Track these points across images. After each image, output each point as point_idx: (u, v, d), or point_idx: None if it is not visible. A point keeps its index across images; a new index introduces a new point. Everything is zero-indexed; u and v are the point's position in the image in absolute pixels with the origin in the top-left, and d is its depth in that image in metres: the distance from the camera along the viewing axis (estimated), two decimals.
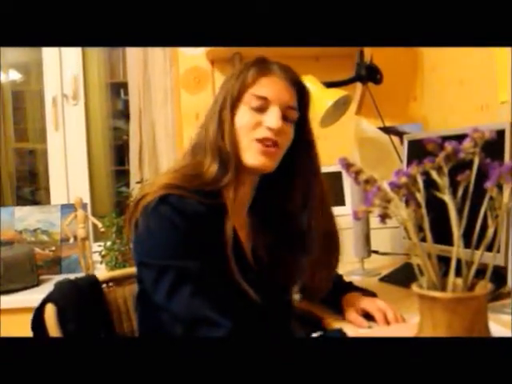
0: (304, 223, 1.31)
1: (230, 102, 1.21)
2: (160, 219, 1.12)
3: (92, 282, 1.41)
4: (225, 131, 1.20)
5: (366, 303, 1.33)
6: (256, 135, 1.20)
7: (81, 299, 1.33)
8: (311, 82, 1.99)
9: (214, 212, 1.16)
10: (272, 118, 1.20)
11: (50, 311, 1.23)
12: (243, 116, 1.21)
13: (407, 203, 0.71)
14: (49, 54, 2.58)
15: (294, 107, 1.24)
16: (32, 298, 1.89)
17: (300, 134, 1.27)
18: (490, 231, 0.70)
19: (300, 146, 1.27)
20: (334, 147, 2.02)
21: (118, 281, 1.47)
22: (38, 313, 1.24)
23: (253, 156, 1.20)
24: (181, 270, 1.10)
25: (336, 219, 1.35)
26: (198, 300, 1.08)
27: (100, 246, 2.32)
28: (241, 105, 1.21)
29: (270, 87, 1.21)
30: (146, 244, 1.15)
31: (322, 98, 2.00)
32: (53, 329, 1.21)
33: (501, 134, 1.36)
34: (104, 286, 1.44)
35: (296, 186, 1.29)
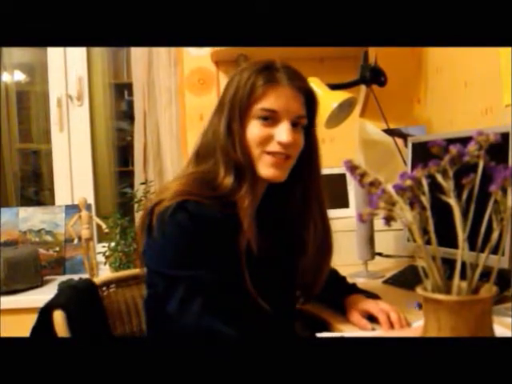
0: (304, 225, 1.31)
1: (238, 114, 1.19)
2: (177, 227, 1.11)
3: (90, 287, 1.40)
4: (235, 142, 1.19)
5: (370, 305, 1.33)
6: (267, 148, 1.20)
7: (82, 304, 1.32)
8: (316, 85, 1.99)
9: (230, 221, 1.16)
10: (282, 133, 1.19)
11: (59, 317, 1.22)
12: (253, 129, 1.20)
13: (412, 206, 0.71)
14: (54, 54, 2.59)
15: (303, 115, 1.23)
16: (36, 298, 1.90)
17: (306, 139, 1.27)
18: (495, 234, 0.70)
19: (305, 151, 1.27)
20: (338, 149, 2.03)
21: (115, 284, 1.46)
22: (42, 317, 1.24)
23: (264, 168, 1.20)
24: (193, 280, 1.09)
25: (329, 222, 1.34)
26: (210, 313, 1.08)
27: (104, 246, 2.33)
28: (250, 117, 1.20)
29: (279, 100, 1.19)
30: (161, 251, 1.14)
31: (326, 101, 1.99)
32: (63, 335, 1.21)
33: (505, 137, 1.35)
34: (104, 288, 1.44)
35: (298, 189, 1.30)
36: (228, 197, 1.17)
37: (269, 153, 1.20)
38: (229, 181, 1.17)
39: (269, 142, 1.20)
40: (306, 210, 1.30)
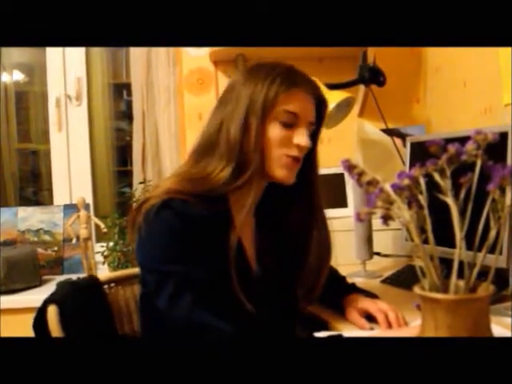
0: (309, 227, 1.32)
1: (261, 112, 1.19)
2: (162, 224, 1.12)
3: (93, 283, 1.41)
4: (251, 139, 1.18)
5: (368, 304, 1.33)
6: (288, 152, 1.21)
7: (82, 300, 1.32)
8: None
9: (219, 218, 1.16)
10: (302, 137, 1.21)
11: (52, 312, 1.23)
12: (274, 130, 1.20)
13: (410, 205, 0.71)
14: (52, 54, 2.58)
15: (314, 122, 1.26)
16: (34, 298, 1.89)
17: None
18: (493, 233, 0.70)
19: (311, 155, 1.29)
20: (336, 149, 2.03)
21: (120, 281, 1.47)
22: (40, 314, 1.24)
23: (279, 169, 1.22)
24: (183, 275, 1.10)
25: (328, 225, 1.35)
26: (200, 307, 1.08)
27: (102, 246, 2.33)
28: (271, 118, 1.20)
29: (300, 103, 1.22)
30: (148, 248, 1.15)
31: None
32: (55, 330, 1.21)
33: (504, 136, 1.35)
34: (105, 286, 1.44)
35: (305, 193, 1.31)
36: (220, 189, 1.17)
37: (287, 156, 1.21)
38: (226, 172, 1.17)
39: (288, 145, 1.21)
40: (312, 213, 1.32)
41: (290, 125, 1.21)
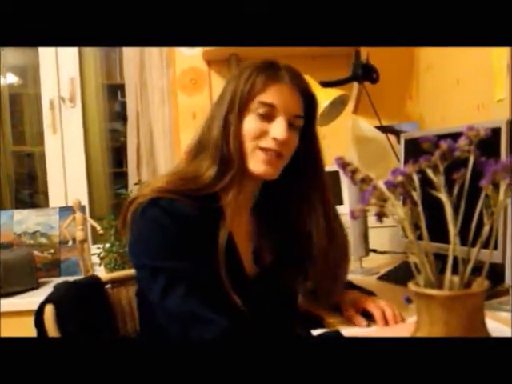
0: (305, 228, 1.31)
1: (237, 107, 1.19)
2: (149, 222, 1.13)
3: (93, 283, 1.41)
4: (230, 135, 1.18)
5: (365, 301, 1.33)
6: (261, 144, 1.19)
7: (80, 300, 1.33)
8: None
9: (209, 216, 1.16)
10: (278, 130, 1.18)
11: (49, 312, 1.23)
12: (249, 123, 1.19)
13: (404, 202, 0.72)
14: (46, 56, 2.58)
15: (300, 115, 1.23)
16: (31, 300, 1.89)
17: (305, 141, 1.26)
18: (486, 229, 0.70)
19: (305, 153, 1.27)
20: (331, 146, 2.03)
21: (122, 281, 1.47)
22: (39, 314, 1.25)
23: (256, 164, 1.20)
24: (173, 270, 1.10)
25: (345, 230, 1.34)
26: (192, 299, 1.08)
27: (99, 248, 2.32)
28: (248, 111, 1.19)
29: (279, 95, 1.19)
30: (138, 246, 1.16)
31: (318, 98, 1.99)
32: (51, 329, 1.22)
33: (497, 131, 1.36)
34: (108, 286, 1.44)
35: (297, 191, 1.30)
36: (208, 189, 1.17)
37: (262, 149, 1.19)
38: (211, 172, 1.17)
39: (263, 137, 1.19)
40: (309, 210, 1.30)
41: (267, 116, 1.19)
